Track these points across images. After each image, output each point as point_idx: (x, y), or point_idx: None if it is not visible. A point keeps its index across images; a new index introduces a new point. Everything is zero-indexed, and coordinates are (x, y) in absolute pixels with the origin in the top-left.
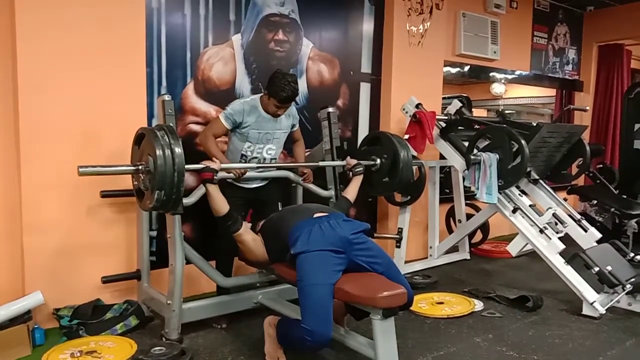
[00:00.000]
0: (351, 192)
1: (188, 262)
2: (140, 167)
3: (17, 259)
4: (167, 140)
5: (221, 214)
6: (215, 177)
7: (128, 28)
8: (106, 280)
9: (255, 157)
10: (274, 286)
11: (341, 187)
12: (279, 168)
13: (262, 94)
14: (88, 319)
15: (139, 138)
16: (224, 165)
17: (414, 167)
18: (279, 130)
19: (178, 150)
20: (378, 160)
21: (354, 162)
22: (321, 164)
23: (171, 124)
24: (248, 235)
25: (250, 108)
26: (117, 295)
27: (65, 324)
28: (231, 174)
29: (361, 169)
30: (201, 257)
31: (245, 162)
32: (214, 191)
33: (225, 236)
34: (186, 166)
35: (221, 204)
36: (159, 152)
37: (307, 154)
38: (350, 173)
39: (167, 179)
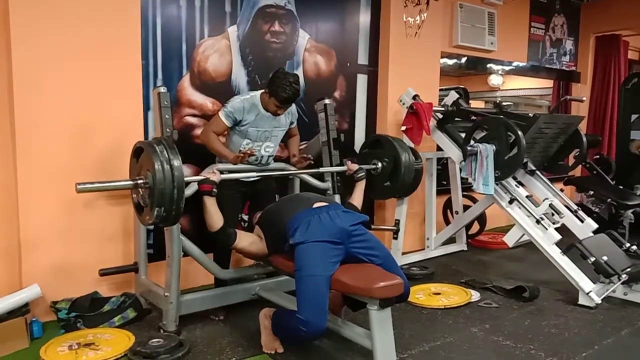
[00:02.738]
0: (357, 198)
1: (185, 254)
2: (139, 181)
3: (14, 252)
4: (167, 155)
5: (215, 229)
6: (214, 190)
7: (123, 20)
8: (104, 273)
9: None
10: (272, 278)
11: (338, 179)
12: (277, 172)
13: (262, 92)
14: (86, 311)
15: (137, 151)
16: (224, 176)
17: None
18: (277, 128)
19: (177, 165)
20: (379, 164)
21: (355, 167)
22: (322, 169)
23: (167, 116)
24: (245, 242)
25: (250, 106)
26: (114, 288)
27: (63, 317)
28: (229, 166)
29: (363, 174)
30: (199, 249)
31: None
32: (211, 205)
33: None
34: (185, 178)
35: (216, 219)
36: (158, 168)
37: (303, 146)
38: (353, 178)
39: (166, 195)
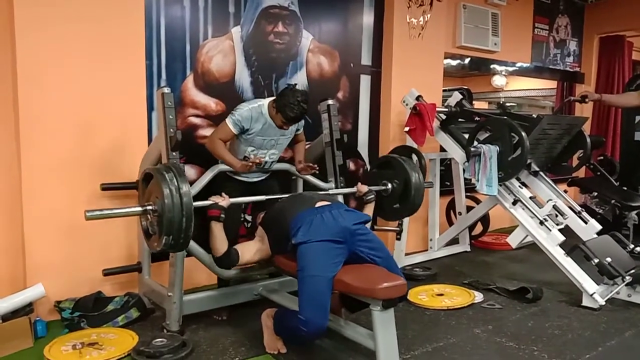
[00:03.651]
0: None
1: (189, 254)
2: (148, 207)
3: (18, 252)
4: (176, 183)
5: (219, 254)
6: (221, 216)
7: (127, 20)
8: (107, 272)
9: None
10: (275, 278)
11: (341, 179)
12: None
13: (270, 102)
14: (89, 311)
15: (147, 177)
16: (233, 200)
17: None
18: (283, 136)
19: (186, 192)
20: (389, 185)
21: (365, 189)
22: (331, 192)
23: (171, 117)
24: (247, 256)
25: (258, 115)
26: (118, 288)
27: (66, 316)
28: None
29: (373, 196)
30: (202, 250)
31: None
32: (218, 230)
33: (226, 228)
34: (194, 204)
35: (221, 244)
36: (167, 195)
37: (306, 146)
38: (363, 199)
39: (175, 224)
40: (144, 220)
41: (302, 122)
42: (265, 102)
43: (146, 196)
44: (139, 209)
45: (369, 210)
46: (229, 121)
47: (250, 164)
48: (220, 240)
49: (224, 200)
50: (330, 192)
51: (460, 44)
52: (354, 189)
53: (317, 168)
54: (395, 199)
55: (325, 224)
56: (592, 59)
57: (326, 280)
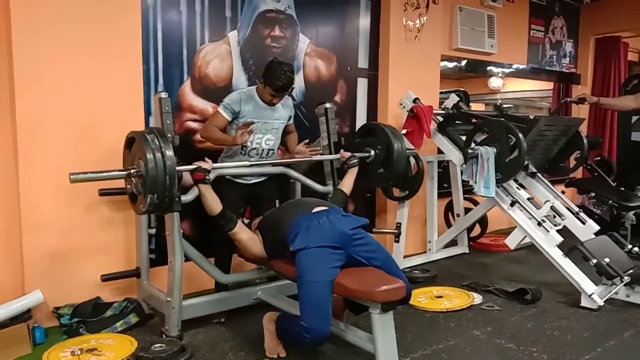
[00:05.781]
0: (347, 184)
1: (187, 259)
2: (132, 171)
3: (16, 258)
4: (158, 143)
5: (214, 214)
6: (207, 177)
7: (124, 25)
8: (106, 278)
9: (254, 148)
10: (273, 282)
11: (339, 182)
12: (274, 164)
13: (258, 84)
14: (88, 317)
15: (130, 142)
16: (216, 165)
17: (413, 162)
18: (277, 120)
19: (169, 153)
20: (372, 152)
21: (347, 154)
22: (314, 158)
23: (168, 122)
24: (243, 234)
25: (247, 97)
26: (116, 293)
27: (65, 323)
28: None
29: (355, 161)
30: (200, 254)
31: (245, 153)
32: (207, 191)
33: (224, 233)
34: (178, 167)
35: (214, 204)
36: (149, 156)
37: None
38: (345, 165)
39: (159, 182)
40: (128, 184)
41: (294, 110)
42: (254, 87)
43: (129, 160)
44: (123, 172)
45: (352, 175)
46: (220, 108)
47: (242, 127)
48: (212, 200)
49: (206, 164)
50: (314, 158)
51: (457, 46)
52: (337, 156)
53: (320, 150)
54: (379, 164)
55: (323, 229)
56: (588, 60)
57: (326, 285)
